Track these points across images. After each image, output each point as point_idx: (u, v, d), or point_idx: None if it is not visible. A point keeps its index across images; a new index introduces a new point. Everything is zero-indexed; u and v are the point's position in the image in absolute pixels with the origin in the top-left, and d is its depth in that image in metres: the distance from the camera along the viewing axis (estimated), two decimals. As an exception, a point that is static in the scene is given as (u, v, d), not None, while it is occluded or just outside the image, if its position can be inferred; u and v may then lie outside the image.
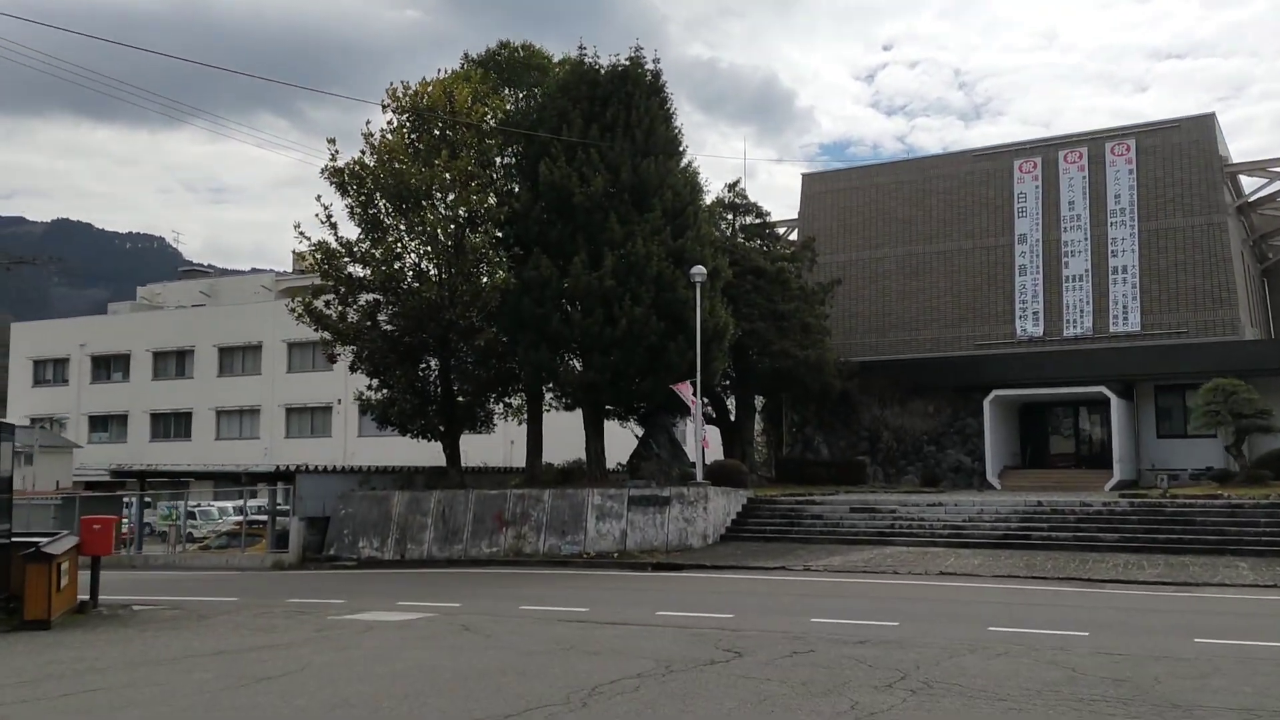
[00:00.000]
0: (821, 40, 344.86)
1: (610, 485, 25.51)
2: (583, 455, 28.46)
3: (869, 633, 11.73)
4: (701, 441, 25.11)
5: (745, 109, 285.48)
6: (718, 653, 10.38)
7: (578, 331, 24.97)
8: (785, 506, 25.60)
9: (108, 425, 64.18)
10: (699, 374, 25.04)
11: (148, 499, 47.80)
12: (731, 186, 34.82)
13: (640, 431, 32.23)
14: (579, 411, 29.85)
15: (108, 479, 37.10)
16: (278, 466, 26.44)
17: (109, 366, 64.43)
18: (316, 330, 26.91)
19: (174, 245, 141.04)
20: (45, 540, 12.86)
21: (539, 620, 13.10)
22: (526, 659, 10.07)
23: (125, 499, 29.68)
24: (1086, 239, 36.11)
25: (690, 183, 27.69)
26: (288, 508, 26.57)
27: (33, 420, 64.24)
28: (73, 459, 59.46)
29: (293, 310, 26.69)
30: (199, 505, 45.44)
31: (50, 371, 66.53)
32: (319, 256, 25.99)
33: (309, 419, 58.41)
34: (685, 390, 24.80)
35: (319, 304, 26.61)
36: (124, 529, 37.91)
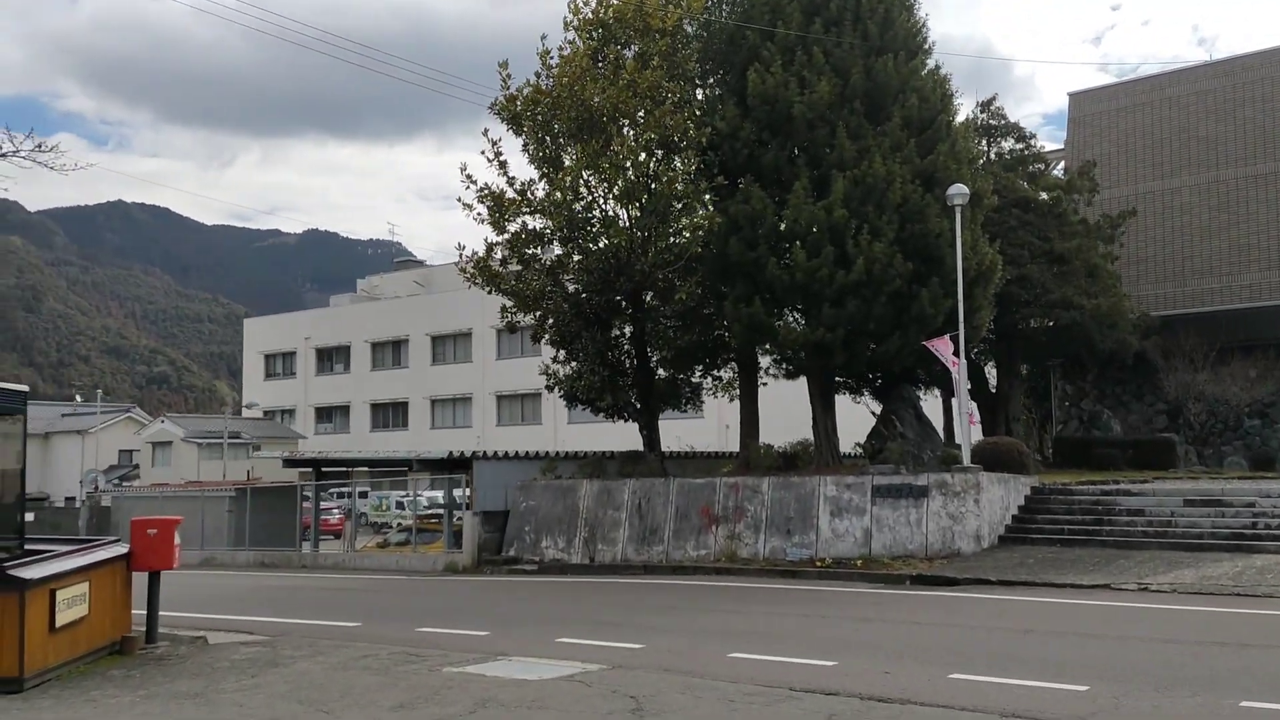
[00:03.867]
0: (1041, 2, 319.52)
1: (846, 472, 20.11)
2: (807, 435, 23.17)
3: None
4: (969, 414, 19.22)
5: (959, 80, 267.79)
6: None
7: (800, 278, 19.60)
8: (1086, 498, 19.27)
9: (332, 416, 64.52)
10: (962, 326, 19.19)
11: (363, 490, 46.35)
12: (985, 105, 28.32)
13: (876, 407, 26.57)
14: (802, 383, 24.54)
15: (329, 468, 34.58)
16: (450, 453, 22.66)
17: (331, 358, 64.82)
18: (490, 292, 22.94)
19: (395, 239, 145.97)
20: (48, 553, 9.08)
21: (759, 690, 8.05)
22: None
23: (304, 490, 26.98)
24: None
25: (939, 88, 21.72)
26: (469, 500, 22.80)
27: (265, 413, 65.61)
28: (298, 450, 59.83)
29: (463, 270, 22.80)
30: (407, 495, 43.38)
31: (280, 365, 67.80)
32: (489, 205, 21.95)
33: (519, 406, 56.22)
34: (944, 347, 19.02)
35: (494, 263, 22.58)
36: (333, 517, 35.96)
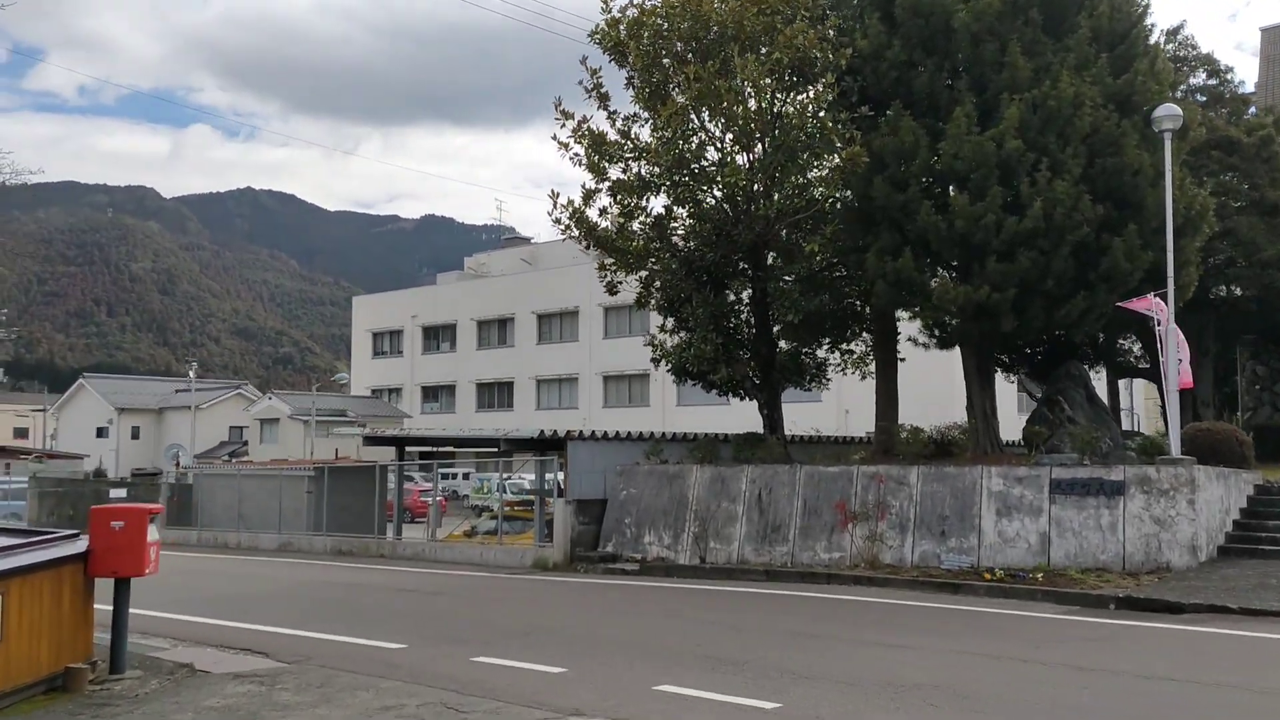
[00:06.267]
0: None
1: (1013, 462, 16.48)
2: (947, 419, 19.58)
3: None
4: (1181, 369, 15.26)
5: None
6: None
7: (961, 225, 16.01)
8: (1333, 502, 15.25)
9: (438, 395, 63.13)
10: (1171, 285, 15.33)
11: (466, 471, 44.11)
12: (1172, 34, 24.00)
13: (1026, 385, 22.80)
14: (937, 359, 21.05)
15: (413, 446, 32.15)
16: (541, 432, 19.86)
17: (438, 337, 63.45)
18: (585, 247, 20.00)
19: (508, 224, 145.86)
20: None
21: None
22: None
23: (389, 469, 24.62)
24: None
25: (1131, -4, 17.78)
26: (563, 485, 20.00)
27: (373, 391, 64.69)
28: (403, 430, 58.47)
29: (557, 221, 19.87)
30: (509, 478, 41.09)
31: (387, 343, 66.85)
32: (586, 144, 18.97)
33: (626, 387, 53.58)
34: (1150, 305, 15.20)
35: (592, 213, 19.57)
36: (423, 498, 33.86)
